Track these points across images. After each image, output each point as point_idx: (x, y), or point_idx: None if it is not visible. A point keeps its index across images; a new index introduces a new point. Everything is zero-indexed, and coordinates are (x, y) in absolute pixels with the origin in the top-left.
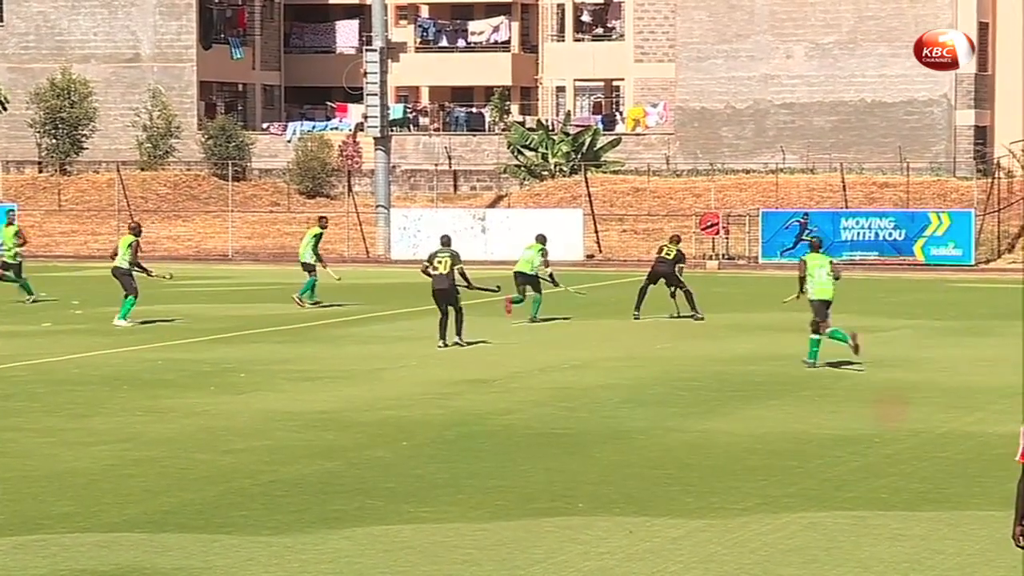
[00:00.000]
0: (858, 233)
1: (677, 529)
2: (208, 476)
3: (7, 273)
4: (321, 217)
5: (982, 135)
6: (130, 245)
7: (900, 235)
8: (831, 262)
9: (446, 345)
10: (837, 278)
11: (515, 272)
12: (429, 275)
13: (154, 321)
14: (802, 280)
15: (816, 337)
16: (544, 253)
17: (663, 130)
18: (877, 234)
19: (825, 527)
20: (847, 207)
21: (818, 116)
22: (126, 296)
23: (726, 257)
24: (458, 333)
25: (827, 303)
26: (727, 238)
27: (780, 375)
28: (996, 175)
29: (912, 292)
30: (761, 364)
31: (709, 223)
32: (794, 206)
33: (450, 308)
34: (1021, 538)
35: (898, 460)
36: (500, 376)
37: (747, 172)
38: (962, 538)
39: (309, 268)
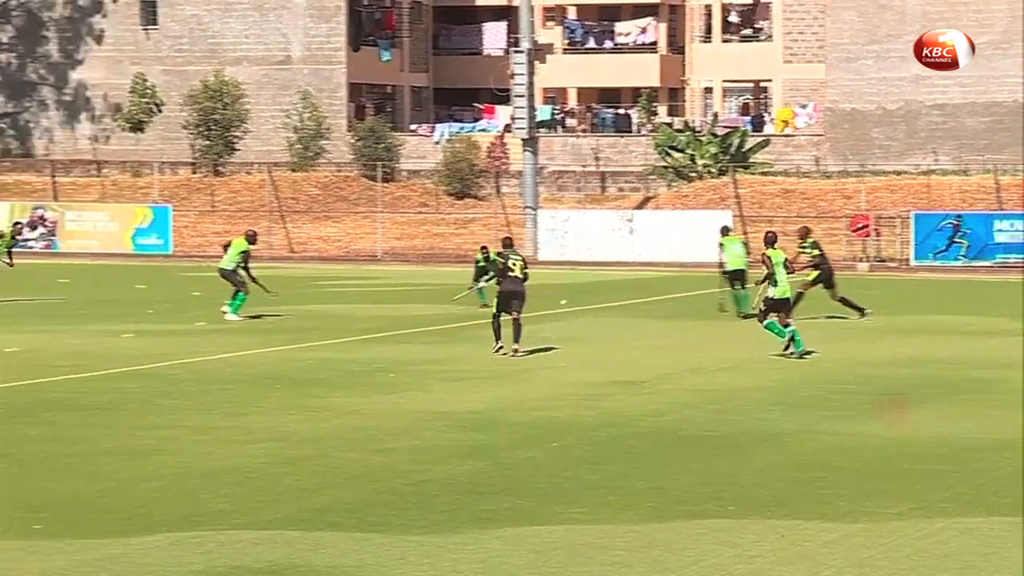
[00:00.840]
0: (1012, 236)
1: (830, 533)
2: (360, 475)
3: None
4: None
5: None
6: (242, 252)
7: None
8: (786, 258)
9: (502, 349)
10: (790, 272)
11: (731, 271)
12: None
13: (260, 316)
14: (769, 276)
15: (789, 329)
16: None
17: (812, 131)
18: None
19: (982, 533)
20: (1001, 209)
21: (971, 117)
22: (236, 292)
23: (877, 259)
24: (516, 340)
25: (787, 301)
26: (878, 240)
27: (933, 378)
28: None
29: None
30: (913, 367)
31: (860, 225)
32: (946, 208)
33: (515, 312)
34: None
35: None
36: (650, 377)
37: (898, 174)
38: None
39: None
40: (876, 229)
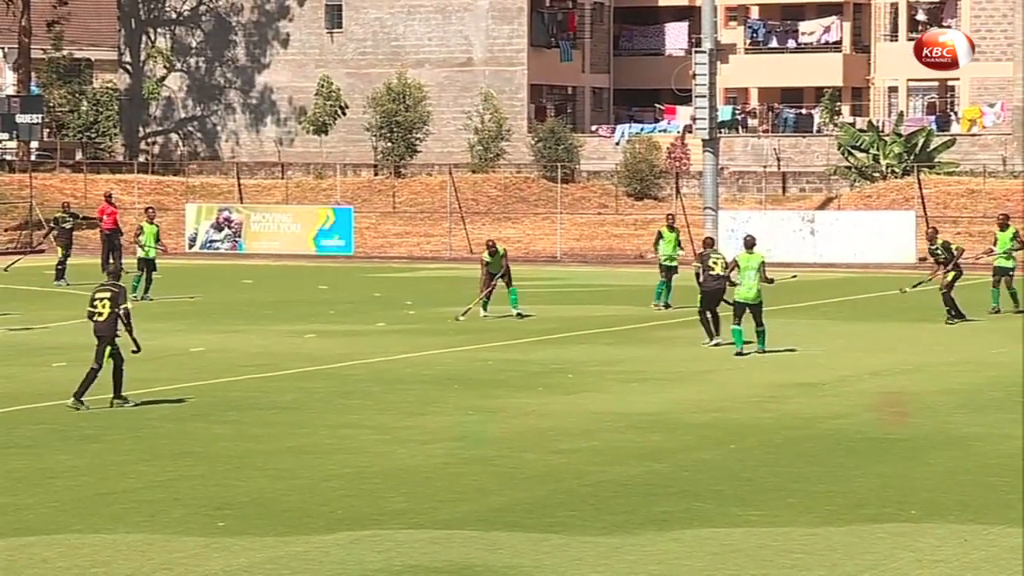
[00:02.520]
0: None
1: (1015, 538)
2: (538, 475)
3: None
4: (148, 208)
5: None
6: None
7: None
8: (763, 263)
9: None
10: (770, 281)
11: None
12: (698, 275)
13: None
14: (767, 280)
15: (737, 328)
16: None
17: (1000, 130)
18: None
19: None
20: None
21: None
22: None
23: None
24: (717, 334)
25: (746, 306)
26: None
27: None
28: None
29: None
30: None
31: None
32: None
33: (716, 310)
34: None
35: None
36: (829, 380)
37: None
38: None
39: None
40: None
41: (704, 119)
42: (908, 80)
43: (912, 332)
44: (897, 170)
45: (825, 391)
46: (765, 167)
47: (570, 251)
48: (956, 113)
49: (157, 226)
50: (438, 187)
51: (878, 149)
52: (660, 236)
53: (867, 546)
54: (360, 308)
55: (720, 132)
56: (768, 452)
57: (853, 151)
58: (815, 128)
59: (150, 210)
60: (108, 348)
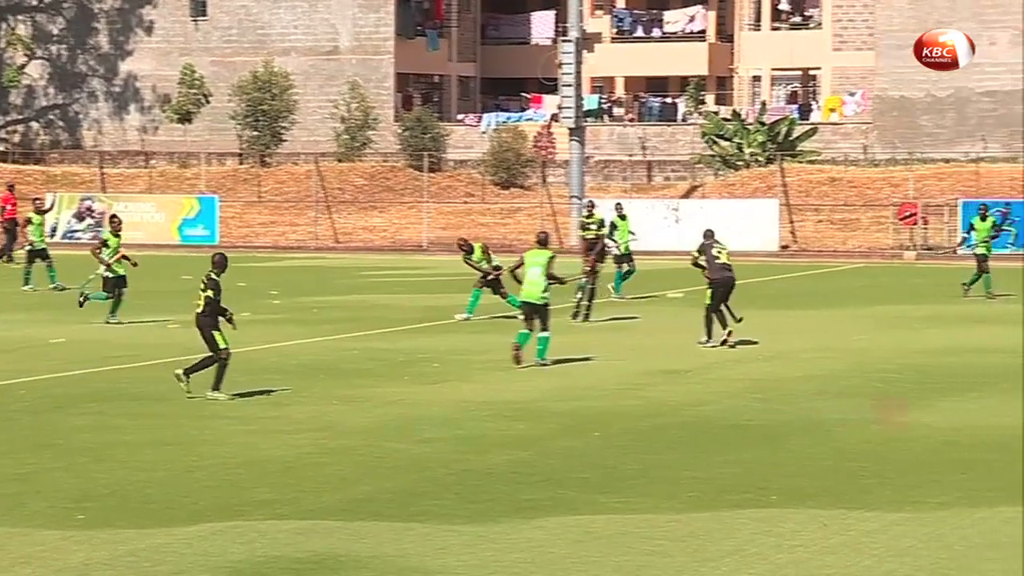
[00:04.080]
0: None
1: (872, 522)
2: (402, 465)
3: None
4: (36, 198)
5: None
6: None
7: None
8: (551, 259)
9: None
10: (561, 282)
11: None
12: (700, 266)
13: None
14: (556, 278)
15: (524, 332)
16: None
17: (860, 119)
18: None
19: None
20: None
21: (1021, 104)
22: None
23: (924, 248)
24: (724, 325)
25: (533, 306)
26: (925, 228)
27: (980, 367)
28: None
29: None
30: (960, 356)
31: (907, 213)
32: (995, 196)
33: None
34: None
35: None
36: (694, 367)
37: (947, 161)
38: None
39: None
40: (924, 217)
41: (570, 108)
42: (772, 69)
43: (774, 319)
44: (760, 158)
45: (689, 378)
46: (631, 156)
47: (437, 240)
48: (818, 102)
49: (43, 217)
50: (304, 176)
51: (742, 138)
52: (614, 227)
53: (729, 531)
54: (225, 298)
55: (586, 121)
56: (632, 439)
57: (717, 140)
58: (680, 117)
59: (37, 200)
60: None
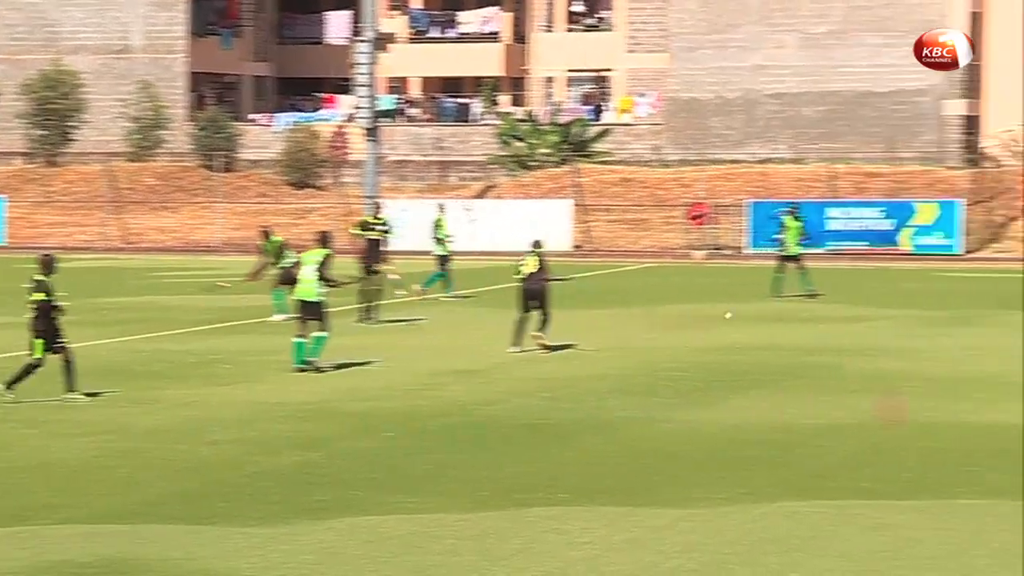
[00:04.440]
0: (846, 223)
1: (660, 519)
2: (192, 467)
3: None
4: None
5: (971, 125)
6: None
7: (888, 225)
8: (326, 257)
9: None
10: (336, 284)
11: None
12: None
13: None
14: (330, 280)
15: (298, 340)
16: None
17: (652, 120)
18: (864, 224)
19: (807, 517)
20: (835, 197)
21: (808, 106)
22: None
23: (713, 247)
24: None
25: (306, 304)
26: (715, 228)
27: (766, 365)
28: (984, 165)
29: (899, 282)
30: (747, 354)
31: (697, 213)
32: (782, 196)
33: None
34: None
35: (882, 449)
36: (485, 367)
37: (736, 162)
38: (943, 527)
39: None
40: (713, 217)
41: (365, 108)
42: (566, 70)
43: (565, 319)
44: (555, 159)
45: (480, 378)
46: (426, 156)
47: (230, 240)
48: (611, 103)
49: None
50: (94, 176)
51: (536, 138)
52: (438, 226)
53: (518, 530)
54: (10, 300)
55: (381, 121)
56: (423, 439)
57: (512, 140)
58: (475, 117)
59: None
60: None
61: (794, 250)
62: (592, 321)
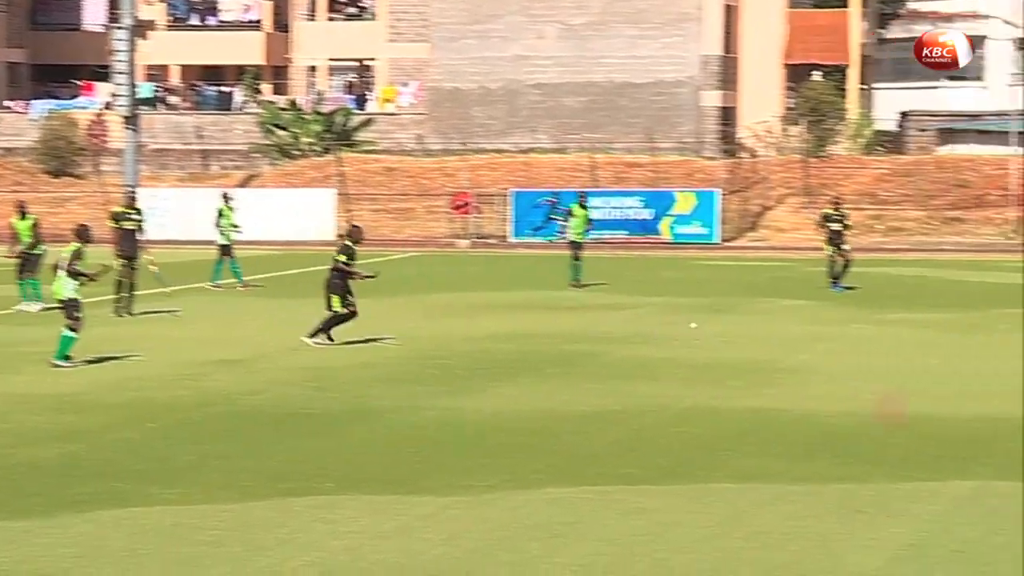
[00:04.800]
0: (607, 212)
1: (426, 507)
2: None
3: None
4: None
5: (727, 116)
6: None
7: (648, 214)
8: (74, 252)
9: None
10: (81, 277)
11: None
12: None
13: None
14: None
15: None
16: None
17: (416, 110)
18: (625, 213)
19: (570, 502)
20: (596, 186)
21: (569, 97)
22: None
23: (477, 237)
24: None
25: (60, 302)
26: (478, 218)
27: (530, 353)
28: (740, 155)
29: (658, 270)
30: (512, 342)
31: (460, 203)
32: (544, 186)
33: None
34: None
35: (642, 436)
36: (249, 356)
37: (499, 152)
38: (701, 511)
39: None
40: (477, 207)
41: (124, 96)
42: (328, 59)
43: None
44: (317, 148)
45: (244, 367)
46: (186, 145)
47: None
48: (374, 93)
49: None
50: None
51: (298, 128)
52: (221, 215)
53: (284, 519)
54: None
55: (140, 109)
56: (187, 430)
57: (274, 129)
58: (237, 106)
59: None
60: None
61: (578, 238)
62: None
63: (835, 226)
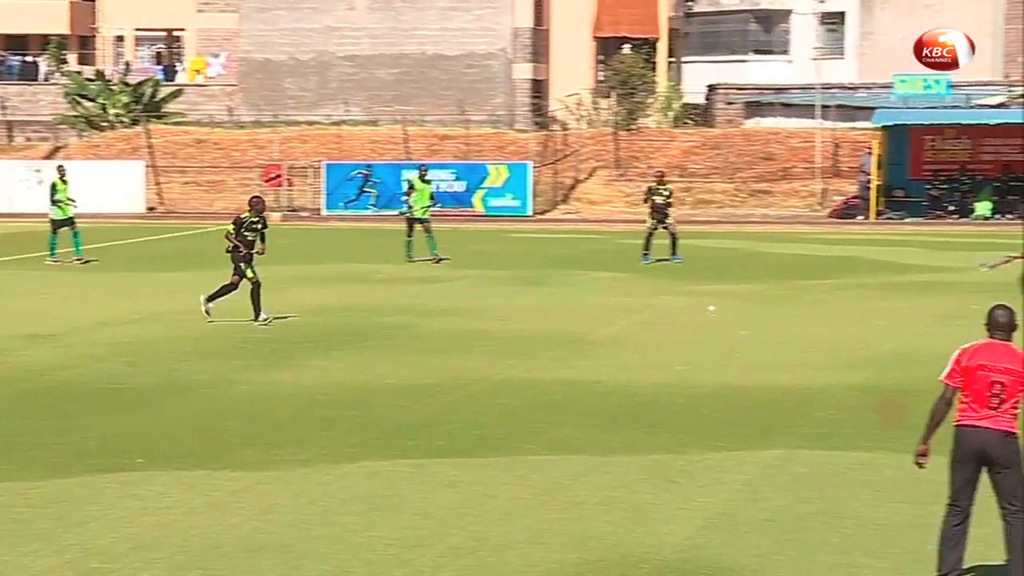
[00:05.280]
0: None
1: (238, 482)
2: None
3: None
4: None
5: (539, 89)
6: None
7: (461, 187)
8: None
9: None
10: None
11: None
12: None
13: None
14: None
15: None
16: None
17: (226, 81)
18: (438, 186)
19: (385, 475)
20: (409, 159)
21: (381, 69)
22: None
23: (289, 209)
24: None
25: None
26: (290, 190)
27: (345, 326)
28: (552, 128)
29: (472, 243)
30: (326, 315)
31: (272, 175)
32: (357, 158)
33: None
34: (920, 457)
35: (457, 408)
36: (60, 331)
37: (310, 124)
38: (517, 482)
39: None
40: (289, 179)
41: None
42: (135, 29)
43: (140, 282)
44: (126, 120)
45: (54, 342)
46: None
47: None
48: (183, 63)
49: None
50: None
51: (106, 99)
52: (54, 188)
53: (94, 496)
54: None
55: None
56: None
57: (81, 100)
58: (42, 76)
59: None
60: None
61: (421, 213)
62: (167, 284)
63: (659, 199)
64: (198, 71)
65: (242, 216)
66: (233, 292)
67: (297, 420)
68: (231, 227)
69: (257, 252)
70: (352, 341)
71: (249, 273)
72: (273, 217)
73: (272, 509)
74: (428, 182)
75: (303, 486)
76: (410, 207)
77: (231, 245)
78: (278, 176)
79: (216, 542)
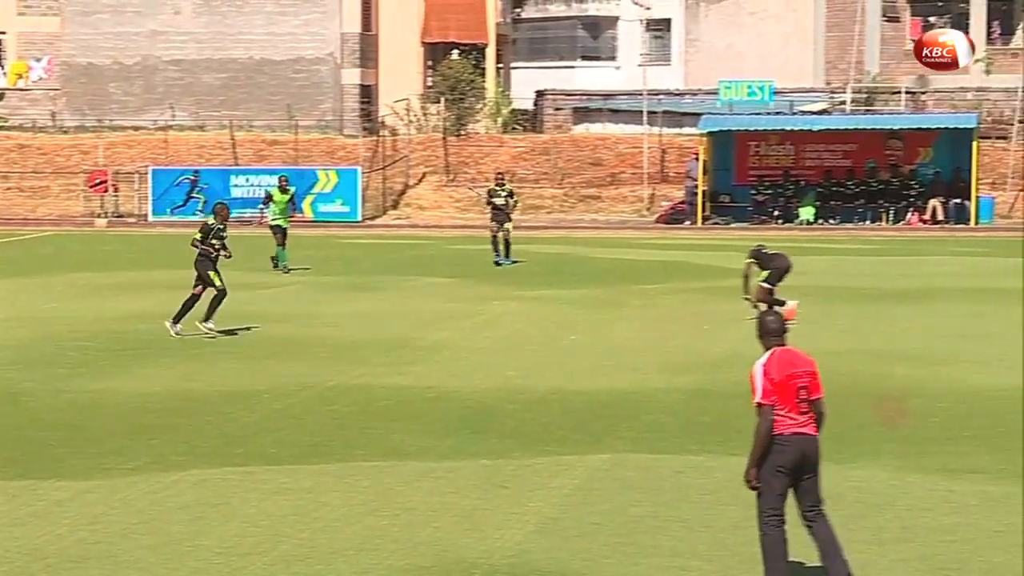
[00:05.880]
0: (248, 190)
1: (63, 492)
2: None
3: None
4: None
5: (368, 94)
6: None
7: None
8: None
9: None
10: None
11: None
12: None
13: None
14: None
15: None
16: None
17: (49, 85)
18: (267, 191)
19: (214, 483)
20: (237, 164)
21: (208, 73)
22: None
23: (115, 215)
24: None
25: None
26: (116, 196)
27: (157, 332)
28: (381, 133)
29: (301, 249)
30: (153, 322)
31: (97, 181)
32: (184, 163)
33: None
34: (753, 480)
35: (287, 415)
36: None
37: (136, 129)
38: (348, 489)
39: None
40: (114, 185)
41: None
42: None
43: None
44: None
45: None
46: None
47: None
48: (3, 68)
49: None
50: None
51: None
52: None
53: None
54: None
55: None
56: None
57: None
58: None
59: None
60: None
61: (281, 222)
62: None
63: (498, 201)
64: (19, 75)
65: (209, 223)
66: (196, 303)
67: (124, 429)
68: (198, 235)
69: (225, 256)
70: (178, 349)
71: (217, 282)
72: (98, 223)
73: (98, 519)
74: (287, 192)
75: (130, 495)
76: (267, 217)
77: (198, 254)
78: (103, 182)
79: (41, 552)
